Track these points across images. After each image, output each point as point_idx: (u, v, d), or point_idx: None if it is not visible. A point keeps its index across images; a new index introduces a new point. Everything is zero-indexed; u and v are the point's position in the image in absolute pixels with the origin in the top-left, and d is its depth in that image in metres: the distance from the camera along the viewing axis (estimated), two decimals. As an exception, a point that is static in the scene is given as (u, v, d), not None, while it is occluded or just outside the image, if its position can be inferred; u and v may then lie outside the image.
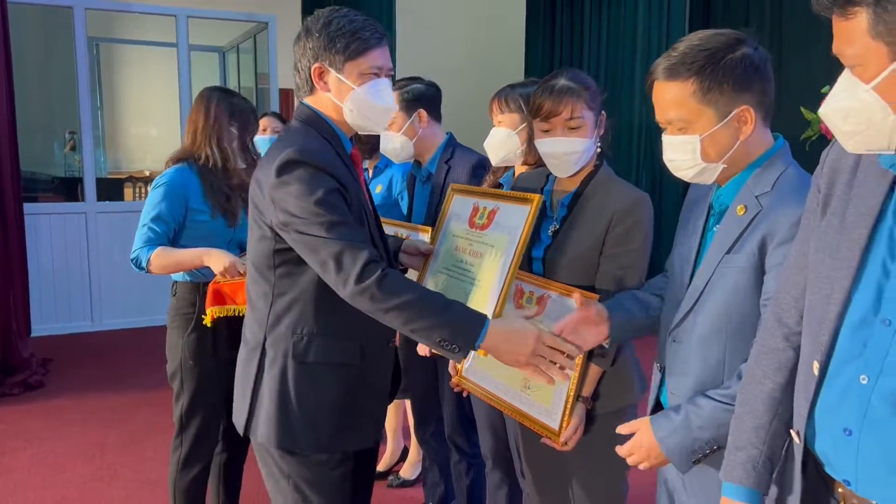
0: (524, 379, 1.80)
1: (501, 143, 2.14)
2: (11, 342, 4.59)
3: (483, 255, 1.75)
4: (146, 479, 3.24)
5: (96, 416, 3.97)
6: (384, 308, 1.50)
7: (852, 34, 0.97)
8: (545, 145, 1.79)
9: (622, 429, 1.54)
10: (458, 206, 1.91)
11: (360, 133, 1.75)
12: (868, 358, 1.02)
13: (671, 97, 1.38)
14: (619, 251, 1.74)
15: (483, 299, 1.68)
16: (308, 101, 1.69)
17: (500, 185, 2.25)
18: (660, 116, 1.43)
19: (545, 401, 1.80)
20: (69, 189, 6.84)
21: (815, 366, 1.09)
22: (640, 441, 1.48)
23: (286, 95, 7.34)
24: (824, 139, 4.24)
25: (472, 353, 1.56)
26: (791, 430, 1.15)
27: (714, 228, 1.48)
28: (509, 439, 2.17)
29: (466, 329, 1.52)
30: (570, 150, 1.76)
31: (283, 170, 1.54)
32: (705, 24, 7.10)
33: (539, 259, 1.83)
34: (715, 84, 1.34)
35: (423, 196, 2.50)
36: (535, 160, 2.06)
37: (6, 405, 4.15)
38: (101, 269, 5.64)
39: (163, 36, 6.63)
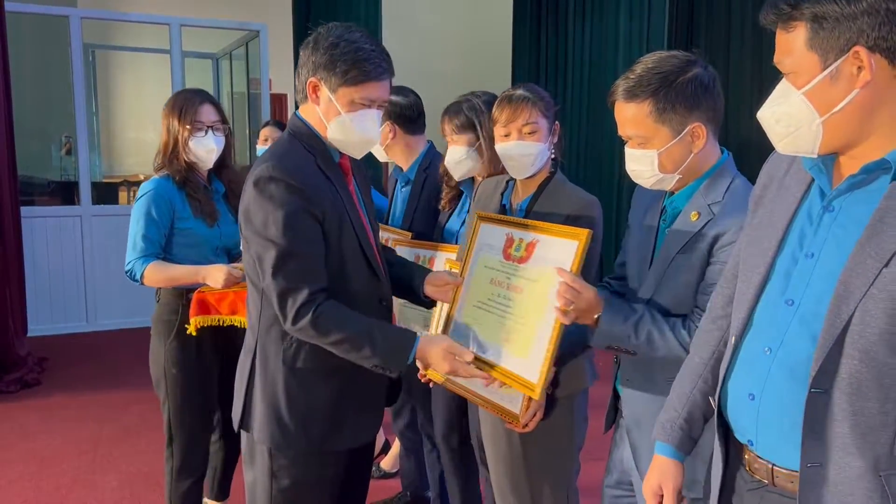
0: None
1: (460, 161, 2.30)
2: (8, 341, 4.72)
3: (524, 290, 1.72)
4: (139, 470, 3.38)
5: (90, 412, 4.11)
6: (321, 343, 1.64)
7: (792, 45, 1.10)
8: (504, 148, 1.96)
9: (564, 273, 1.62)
10: (488, 235, 1.87)
11: None
12: (772, 332, 1.18)
13: (630, 116, 1.55)
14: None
15: (527, 341, 1.68)
16: (301, 111, 1.74)
17: (461, 193, 2.40)
18: (621, 132, 1.60)
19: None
20: (65, 192, 6.95)
21: (732, 340, 1.25)
22: (587, 294, 1.59)
23: (277, 100, 7.48)
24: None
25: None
26: (710, 398, 1.31)
27: (666, 231, 1.65)
28: (470, 427, 2.31)
29: (397, 356, 1.67)
30: (526, 152, 1.93)
31: (257, 184, 1.61)
32: (688, 34, 7.28)
33: None
34: (669, 105, 1.51)
35: (403, 200, 2.65)
36: (494, 172, 2.21)
37: (3, 402, 4.29)
38: (96, 271, 5.77)
39: (157, 43, 6.76)
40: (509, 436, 1.98)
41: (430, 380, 2.15)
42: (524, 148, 1.93)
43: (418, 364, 1.77)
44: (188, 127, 2.38)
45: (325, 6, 6.22)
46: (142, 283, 2.34)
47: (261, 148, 3.27)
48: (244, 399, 1.76)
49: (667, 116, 1.52)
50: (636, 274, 1.71)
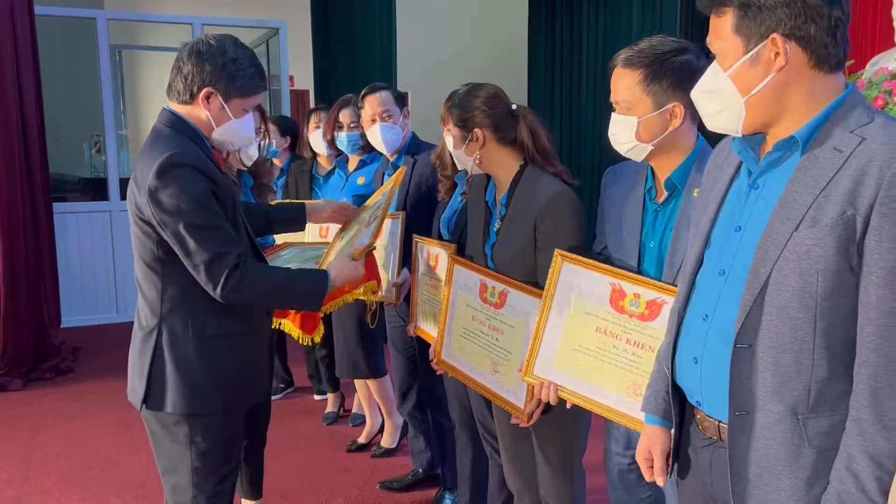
0: (492, 364, 2.04)
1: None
2: (43, 332, 4.95)
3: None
4: (165, 451, 3.57)
5: (120, 397, 4.28)
6: (250, 299, 1.87)
7: (721, 29, 1.22)
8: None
9: None
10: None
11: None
12: (708, 301, 1.30)
13: (623, 81, 1.66)
14: (549, 242, 1.91)
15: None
16: (180, 110, 1.87)
17: (454, 185, 2.52)
18: (613, 96, 1.70)
19: (511, 383, 1.99)
20: (94, 189, 7.15)
21: (678, 311, 1.38)
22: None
23: (298, 95, 7.66)
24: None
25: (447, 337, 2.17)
26: (664, 366, 1.44)
27: (657, 210, 1.74)
28: (473, 409, 2.45)
29: (316, 294, 1.96)
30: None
31: (162, 171, 1.72)
32: (702, 25, 7.31)
33: (489, 255, 2.09)
34: (657, 78, 1.62)
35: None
36: None
37: (40, 388, 4.52)
38: (126, 264, 5.95)
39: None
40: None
41: (440, 370, 2.28)
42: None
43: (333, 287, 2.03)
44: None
45: (341, 3, 6.37)
46: None
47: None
48: (147, 378, 1.86)
49: (652, 88, 1.62)
50: (628, 251, 1.78)
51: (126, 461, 3.48)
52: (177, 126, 1.85)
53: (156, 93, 8.93)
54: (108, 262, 5.97)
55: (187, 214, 1.73)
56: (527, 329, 1.90)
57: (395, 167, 2.83)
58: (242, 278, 1.79)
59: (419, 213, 2.72)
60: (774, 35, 1.16)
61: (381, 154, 2.97)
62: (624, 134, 1.68)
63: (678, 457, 1.44)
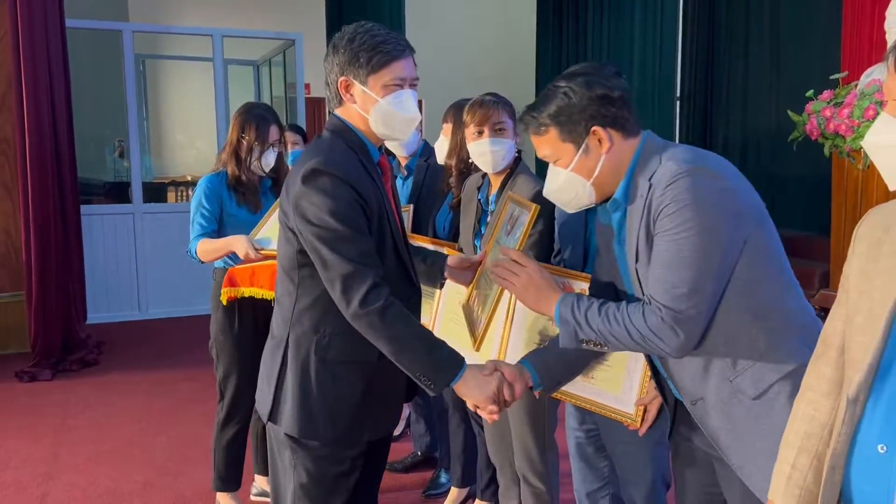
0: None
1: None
2: (71, 326, 5.23)
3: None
4: (184, 435, 3.83)
5: (143, 387, 4.59)
6: (378, 335, 1.63)
7: (550, 144, 1.53)
8: (477, 146, 2.27)
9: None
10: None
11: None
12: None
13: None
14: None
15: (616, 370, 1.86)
16: (338, 112, 1.77)
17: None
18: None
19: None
20: (119, 192, 7.45)
21: None
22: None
23: (313, 104, 7.93)
24: (809, 140, 4.65)
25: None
26: None
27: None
28: None
29: (445, 374, 1.67)
30: (496, 148, 2.26)
31: (307, 178, 1.64)
32: (709, 32, 7.50)
33: (478, 247, 2.33)
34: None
35: (404, 193, 3.03)
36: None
37: (68, 378, 4.81)
38: (148, 264, 6.26)
39: (202, 51, 7.24)
40: None
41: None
42: (495, 144, 2.25)
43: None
44: (258, 144, 2.77)
45: (355, 14, 6.62)
46: (199, 260, 2.70)
47: (291, 151, 3.66)
48: (274, 391, 1.77)
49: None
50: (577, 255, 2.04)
51: (147, 443, 3.74)
52: (338, 130, 1.76)
53: (177, 100, 9.27)
54: (132, 261, 6.25)
55: (326, 223, 1.62)
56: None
57: (409, 170, 3.05)
58: (385, 309, 1.61)
59: (428, 213, 2.93)
60: (594, 127, 1.49)
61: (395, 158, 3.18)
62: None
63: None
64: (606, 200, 1.56)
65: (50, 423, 4.03)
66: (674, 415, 1.67)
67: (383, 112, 1.71)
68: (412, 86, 1.75)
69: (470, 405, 1.78)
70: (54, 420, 4.07)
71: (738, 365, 1.45)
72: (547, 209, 2.08)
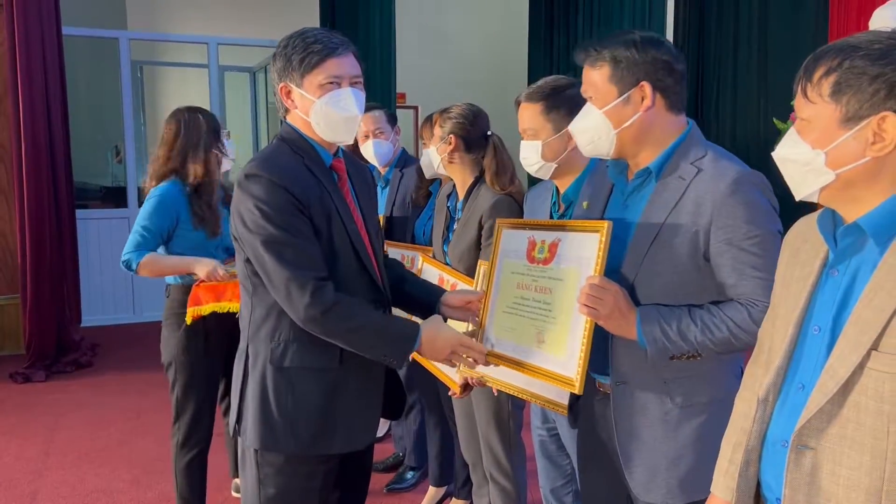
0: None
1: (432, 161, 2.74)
2: (65, 328, 5.33)
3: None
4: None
5: (135, 387, 4.69)
6: (332, 334, 1.62)
7: (596, 80, 1.54)
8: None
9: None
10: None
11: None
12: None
13: (527, 113, 1.99)
14: (488, 243, 2.22)
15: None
16: (288, 118, 1.75)
17: (430, 193, 2.85)
18: (520, 126, 2.02)
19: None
20: (115, 197, 7.53)
21: None
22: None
23: (308, 111, 8.00)
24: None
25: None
26: None
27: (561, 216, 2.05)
28: (440, 394, 2.76)
29: (403, 346, 1.68)
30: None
31: (241, 182, 1.62)
32: (698, 42, 7.62)
33: (446, 252, 2.43)
34: (554, 107, 1.95)
35: (381, 199, 3.14)
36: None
37: (62, 379, 4.92)
38: (142, 268, 6.34)
39: (199, 58, 7.33)
40: (467, 400, 2.43)
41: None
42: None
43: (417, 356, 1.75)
44: (221, 146, 2.70)
45: (346, 21, 6.72)
46: (136, 273, 2.53)
47: None
48: (238, 403, 1.74)
49: (552, 116, 1.95)
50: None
51: (137, 443, 3.83)
52: (286, 136, 1.73)
53: (175, 105, 9.31)
54: (127, 265, 6.32)
55: (260, 228, 1.59)
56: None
57: (386, 180, 3.16)
58: (333, 307, 1.59)
59: (402, 222, 3.04)
60: (644, 83, 1.50)
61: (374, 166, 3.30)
62: (532, 156, 2.00)
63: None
64: (618, 165, 1.61)
65: (42, 422, 4.12)
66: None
67: (322, 113, 1.66)
68: (353, 84, 1.70)
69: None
70: (46, 419, 4.16)
71: (680, 370, 1.52)
72: (510, 212, 2.22)
